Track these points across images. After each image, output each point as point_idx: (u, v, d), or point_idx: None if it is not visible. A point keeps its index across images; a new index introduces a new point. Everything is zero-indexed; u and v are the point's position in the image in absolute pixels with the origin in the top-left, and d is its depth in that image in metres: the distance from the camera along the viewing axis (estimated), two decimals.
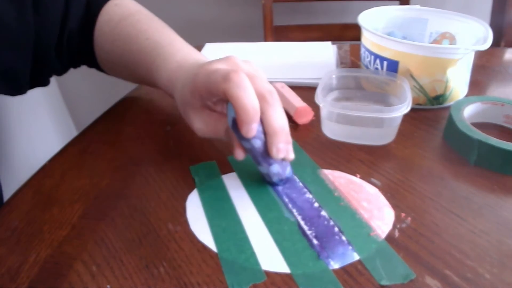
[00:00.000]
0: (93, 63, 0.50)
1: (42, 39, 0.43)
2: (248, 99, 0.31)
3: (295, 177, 0.38)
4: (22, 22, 0.41)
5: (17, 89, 0.46)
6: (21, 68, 0.44)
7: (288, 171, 0.36)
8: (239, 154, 0.35)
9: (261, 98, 0.32)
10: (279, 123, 0.33)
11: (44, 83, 0.49)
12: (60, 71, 0.50)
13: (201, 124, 0.37)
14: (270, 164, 0.34)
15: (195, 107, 0.36)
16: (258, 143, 0.33)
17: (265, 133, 0.33)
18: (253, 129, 0.31)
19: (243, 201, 0.35)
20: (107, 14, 0.47)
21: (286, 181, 0.37)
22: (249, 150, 0.34)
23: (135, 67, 0.45)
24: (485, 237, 0.31)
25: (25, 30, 0.42)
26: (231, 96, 0.31)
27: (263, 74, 0.35)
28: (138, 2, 0.50)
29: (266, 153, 0.33)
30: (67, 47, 0.46)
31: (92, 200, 0.37)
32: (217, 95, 0.34)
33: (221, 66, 0.34)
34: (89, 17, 0.47)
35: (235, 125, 0.33)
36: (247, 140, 0.33)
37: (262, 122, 0.32)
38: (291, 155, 0.34)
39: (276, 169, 0.35)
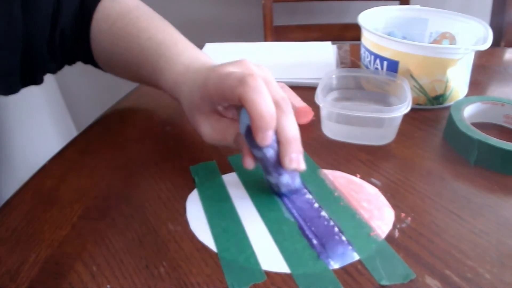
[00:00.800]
0: (89, 59, 0.49)
1: (32, 35, 0.42)
2: (265, 104, 0.29)
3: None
4: (9, 18, 0.39)
5: (7, 88, 0.45)
6: (9, 66, 0.42)
7: (297, 181, 0.35)
8: (249, 163, 0.33)
9: (276, 105, 0.31)
10: (293, 132, 0.31)
11: (37, 81, 0.47)
12: (53, 69, 0.48)
13: (210, 129, 0.35)
14: (280, 174, 0.33)
15: (204, 111, 0.35)
16: (270, 152, 0.32)
17: (277, 141, 0.32)
18: (268, 137, 0.30)
19: (243, 201, 0.35)
20: (104, 10, 0.45)
21: (294, 191, 0.35)
22: (260, 159, 0.33)
23: (136, 68, 0.44)
24: (485, 237, 0.31)
25: (13, 26, 0.40)
26: (248, 101, 0.29)
27: (274, 80, 0.34)
28: None
29: (277, 162, 0.32)
30: (60, 44, 0.45)
31: (92, 200, 0.37)
32: (230, 100, 0.32)
33: (234, 69, 0.33)
34: (84, 13, 0.45)
35: (249, 133, 0.31)
36: (259, 148, 0.31)
37: (275, 130, 0.31)
38: (302, 166, 0.32)
39: (286, 180, 0.34)
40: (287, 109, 0.32)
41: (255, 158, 0.33)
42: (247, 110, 0.30)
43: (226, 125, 0.35)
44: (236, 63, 0.34)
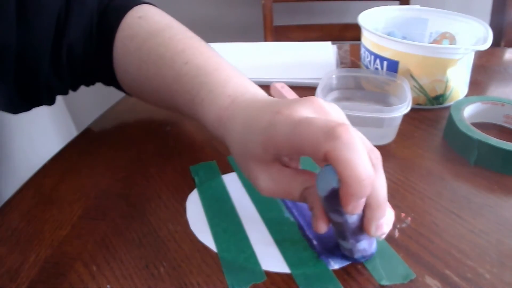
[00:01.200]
0: (111, 81, 0.44)
1: (29, 50, 0.37)
2: (363, 166, 0.23)
3: None
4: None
5: (11, 106, 0.41)
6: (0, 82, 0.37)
7: (374, 246, 0.29)
8: (323, 228, 0.27)
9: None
10: (385, 194, 0.26)
11: (44, 101, 0.42)
12: (63, 89, 0.43)
13: (270, 182, 0.29)
14: (358, 241, 0.28)
15: (263, 161, 0.28)
16: (353, 218, 0.26)
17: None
18: (361, 206, 0.24)
19: (243, 201, 0.35)
20: (129, 28, 0.39)
21: (369, 257, 0.29)
22: (336, 224, 0.27)
23: (169, 96, 0.38)
24: (485, 237, 0.31)
25: (1, 37, 0.35)
26: (341, 161, 0.23)
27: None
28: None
29: (358, 228, 0.27)
30: (68, 62, 0.40)
31: (92, 200, 0.37)
32: (310, 155, 0.25)
33: (308, 113, 0.26)
34: (105, 30, 0.40)
35: (332, 196, 0.25)
36: (341, 214, 0.26)
37: None
38: (387, 229, 0.28)
39: (363, 246, 0.28)
40: (379, 166, 0.26)
41: (330, 221, 0.28)
42: (338, 171, 0.23)
43: (291, 177, 0.28)
44: (306, 103, 0.27)
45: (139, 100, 0.45)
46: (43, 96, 0.41)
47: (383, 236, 0.29)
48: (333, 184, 0.25)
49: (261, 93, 0.33)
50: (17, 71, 0.38)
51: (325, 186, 0.25)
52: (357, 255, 0.29)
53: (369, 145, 0.26)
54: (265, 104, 0.29)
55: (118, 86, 0.45)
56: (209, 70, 0.35)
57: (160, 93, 0.39)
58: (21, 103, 0.41)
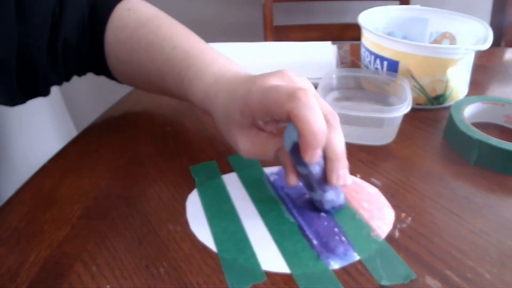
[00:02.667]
0: (102, 71, 0.46)
1: (28, 43, 0.39)
2: (317, 122, 0.28)
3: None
4: (1, 22, 0.36)
5: (9, 98, 0.42)
6: (2, 74, 0.39)
7: (342, 197, 0.33)
8: (292, 180, 0.32)
9: (325, 119, 0.29)
10: (342, 147, 0.31)
11: (41, 93, 0.44)
12: (58, 81, 0.45)
13: (248, 144, 0.33)
14: (324, 191, 0.32)
15: (242, 126, 0.33)
16: (316, 169, 0.31)
17: (324, 158, 0.31)
18: (318, 155, 0.29)
19: (243, 201, 0.35)
20: (119, 19, 0.42)
21: (338, 208, 0.34)
22: (304, 176, 0.32)
23: (159, 79, 0.41)
24: (485, 237, 0.31)
25: (5, 31, 0.37)
26: (299, 118, 0.28)
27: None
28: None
29: (322, 179, 0.31)
30: (64, 54, 0.42)
31: (92, 200, 0.37)
32: (276, 115, 0.30)
33: (277, 81, 0.31)
34: (96, 22, 0.43)
35: (295, 150, 0.30)
36: (305, 166, 0.30)
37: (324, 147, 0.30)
38: (349, 181, 0.31)
39: (330, 196, 0.32)
40: (336, 124, 0.31)
41: (299, 175, 0.32)
42: (297, 127, 0.28)
43: (266, 140, 0.33)
44: (277, 74, 0.32)
45: (131, 87, 0.48)
46: (40, 88, 0.44)
47: (348, 184, 0.32)
48: (294, 138, 0.30)
49: (243, 71, 0.37)
50: (17, 65, 0.39)
51: (288, 141, 0.31)
52: (327, 206, 0.33)
53: (329, 109, 0.31)
54: (244, 79, 0.34)
55: (109, 75, 0.47)
56: (196, 53, 0.39)
57: (151, 77, 0.42)
58: (19, 95, 0.43)
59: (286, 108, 0.28)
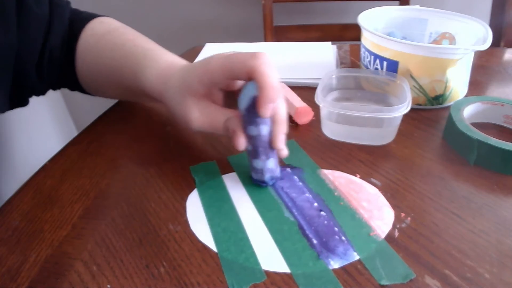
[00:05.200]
0: (75, 84, 0.48)
1: (23, 57, 0.42)
2: (276, 78, 0.32)
3: (295, 177, 0.38)
4: (6, 40, 0.39)
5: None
6: (1, 86, 0.42)
7: (279, 171, 0.37)
8: (241, 143, 0.34)
9: None
10: (284, 114, 0.35)
11: (23, 103, 0.47)
12: (39, 91, 0.48)
13: (198, 114, 0.36)
14: (268, 158, 0.35)
15: (196, 95, 0.36)
16: (265, 130, 0.33)
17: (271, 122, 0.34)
18: (271, 109, 0.32)
19: (243, 201, 0.35)
20: (91, 29, 0.46)
21: (276, 179, 0.37)
22: (253, 139, 0.34)
23: (119, 74, 0.43)
24: (484, 237, 0.31)
25: (8, 48, 0.40)
26: (261, 72, 0.31)
27: None
28: None
29: (268, 144, 0.34)
30: (48, 65, 0.44)
31: (92, 200, 0.37)
32: (236, 75, 0.33)
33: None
34: (71, 34, 0.45)
35: (252, 106, 0.32)
36: (257, 124, 0.33)
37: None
38: (286, 150, 0.35)
39: (271, 164, 0.35)
40: (281, 91, 0.34)
41: (248, 138, 0.34)
42: (259, 81, 0.31)
43: (216, 111, 0.36)
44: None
45: (99, 96, 0.50)
46: (25, 98, 0.46)
47: (286, 153, 0.35)
48: (254, 92, 0.32)
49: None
50: (13, 75, 0.42)
51: (246, 97, 0.33)
52: (266, 176, 0.36)
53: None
54: (199, 61, 0.36)
55: (82, 89, 0.49)
56: (153, 48, 0.42)
57: (113, 75, 0.44)
58: (4, 104, 0.44)
59: (249, 64, 0.32)
